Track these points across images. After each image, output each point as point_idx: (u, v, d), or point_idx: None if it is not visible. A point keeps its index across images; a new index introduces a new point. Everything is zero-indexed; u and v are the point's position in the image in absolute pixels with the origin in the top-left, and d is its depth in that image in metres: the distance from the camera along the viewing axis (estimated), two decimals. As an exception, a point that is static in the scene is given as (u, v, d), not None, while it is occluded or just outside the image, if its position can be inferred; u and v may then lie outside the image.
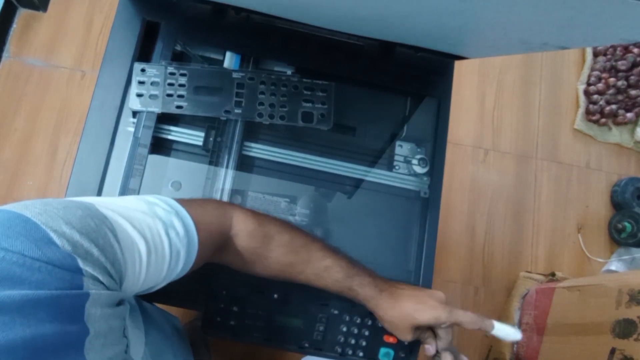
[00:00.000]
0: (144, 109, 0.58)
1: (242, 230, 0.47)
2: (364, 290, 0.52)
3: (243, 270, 0.50)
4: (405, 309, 0.51)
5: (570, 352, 1.03)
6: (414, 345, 0.58)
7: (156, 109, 0.58)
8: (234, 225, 0.47)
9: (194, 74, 0.60)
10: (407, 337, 0.53)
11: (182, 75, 0.60)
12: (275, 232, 0.49)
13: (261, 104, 0.60)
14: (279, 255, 0.49)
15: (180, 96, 0.59)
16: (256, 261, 0.49)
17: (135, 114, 0.59)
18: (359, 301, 0.53)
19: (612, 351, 0.91)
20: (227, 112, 0.60)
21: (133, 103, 0.58)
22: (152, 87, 0.59)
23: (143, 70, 0.59)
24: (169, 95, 0.59)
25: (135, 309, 0.48)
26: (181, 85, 0.59)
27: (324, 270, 0.50)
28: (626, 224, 1.32)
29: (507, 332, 0.52)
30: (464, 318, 0.50)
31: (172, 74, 0.59)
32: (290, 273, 0.50)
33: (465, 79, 1.45)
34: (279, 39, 0.63)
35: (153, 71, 0.59)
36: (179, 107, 0.59)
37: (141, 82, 0.59)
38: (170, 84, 0.59)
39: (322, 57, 0.64)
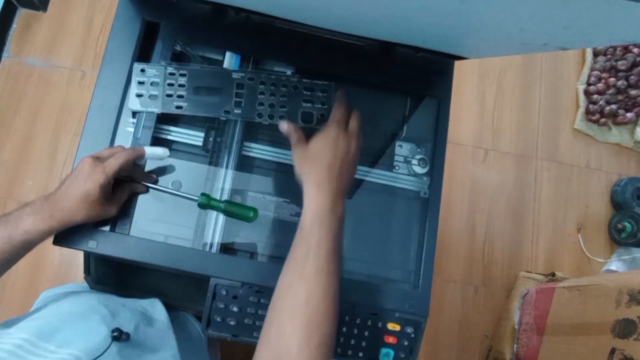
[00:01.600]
0: (143, 109, 0.58)
1: None
2: (34, 225, 0.47)
3: None
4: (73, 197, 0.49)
5: (570, 352, 1.03)
6: (414, 346, 0.58)
7: (156, 109, 0.59)
8: None
9: (193, 74, 0.60)
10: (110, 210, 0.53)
11: (182, 75, 0.60)
12: None
13: (261, 104, 0.60)
14: None
15: (180, 96, 0.59)
16: None
17: (135, 114, 0.59)
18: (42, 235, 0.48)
19: (612, 351, 0.91)
20: (226, 112, 0.60)
21: (133, 103, 0.58)
22: (151, 88, 0.59)
23: (143, 70, 0.59)
24: (169, 95, 0.59)
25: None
26: (181, 86, 0.59)
27: None
28: (626, 224, 1.32)
29: (156, 152, 0.56)
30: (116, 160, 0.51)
31: (171, 74, 0.59)
32: None
33: (465, 79, 1.45)
34: (279, 39, 0.63)
35: (153, 71, 0.59)
36: (178, 107, 0.59)
37: (141, 83, 0.59)
38: (170, 84, 0.59)
39: (322, 57, 0.64)
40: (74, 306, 0.51)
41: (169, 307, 0.62)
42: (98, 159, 0.51)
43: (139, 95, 0.59)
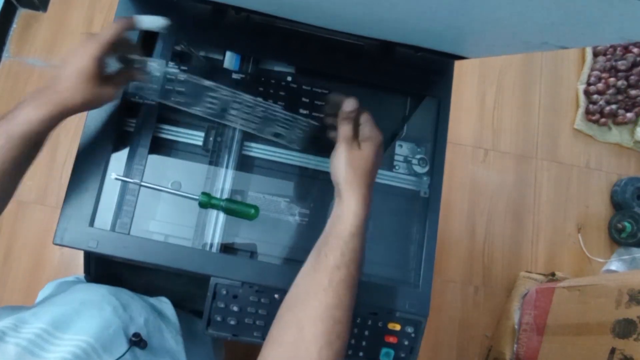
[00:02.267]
0: (140, 100, 0.59)
1: None
2: (33, 113, 0.46)
3: None
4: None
5: (570, 352, 1.03)
6: (415, 345, 0.58)
7: (155, 98, 0.59)
8: None
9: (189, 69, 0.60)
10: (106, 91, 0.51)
11: (174, 68, 0.59)
12: None
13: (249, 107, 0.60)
14: None
15: (179, 92, 0.59)
16: None
17: (135, 114, 0.59)
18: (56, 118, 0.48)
19: (612, 351, 0.91)
20: (212, 113, 0.59)
21: (132, 86, 0.59)
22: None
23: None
24: (168, 90, 0.59)
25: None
26: (170, 80, 0.59)
27: None
28: (626, 224, 1.32)
29: (152, 20, 0.53)
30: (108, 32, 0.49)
31: (172, 69, 0.60)
32: None
33: (465, 79, 1.45)
34: (279, 39, 0.63)
35: (154, 65, 0.59)
36: (176, 101, 0.59)
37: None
38: (170, 80, 0.59)
39: (322, 57, 0.64)
40: (86, 294, 0.51)
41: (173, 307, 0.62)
42: (91, 34, 0.50)
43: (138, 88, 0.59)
